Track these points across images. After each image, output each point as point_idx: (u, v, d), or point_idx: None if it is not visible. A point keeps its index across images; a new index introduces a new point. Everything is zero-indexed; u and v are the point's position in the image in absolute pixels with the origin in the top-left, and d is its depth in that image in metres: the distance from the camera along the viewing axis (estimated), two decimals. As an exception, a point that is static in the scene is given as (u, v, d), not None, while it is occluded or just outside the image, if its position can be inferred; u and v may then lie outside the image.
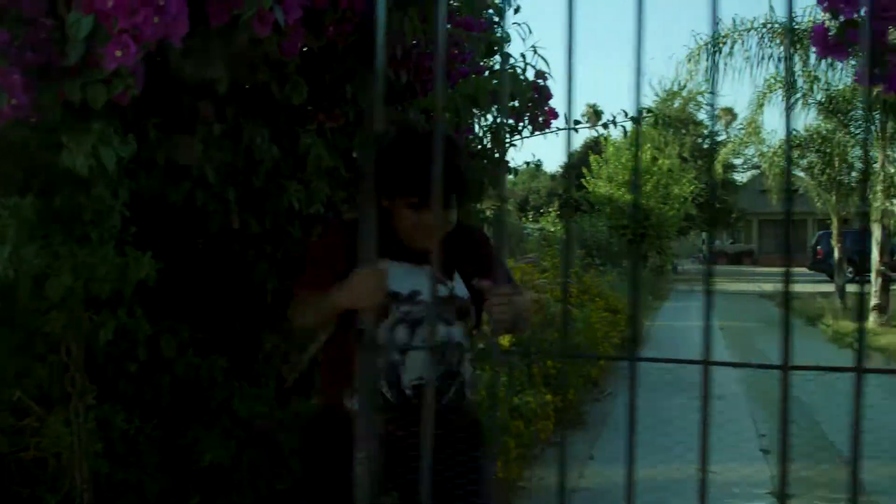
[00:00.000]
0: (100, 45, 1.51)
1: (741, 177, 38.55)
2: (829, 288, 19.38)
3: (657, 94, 34.67)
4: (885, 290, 14.79)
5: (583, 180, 24.62)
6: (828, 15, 2.47)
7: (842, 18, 2.46)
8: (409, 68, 3.42)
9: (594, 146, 27.47)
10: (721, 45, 13.16)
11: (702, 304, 1.23)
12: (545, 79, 4.02)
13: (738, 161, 31.79)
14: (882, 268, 14.62)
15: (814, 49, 2.66)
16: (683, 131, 33.26)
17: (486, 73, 4.18)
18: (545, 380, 6.74)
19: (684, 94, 32.18)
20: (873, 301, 14.49)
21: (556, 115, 4.09)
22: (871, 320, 14.48)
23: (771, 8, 13.41)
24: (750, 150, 25.18)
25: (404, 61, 3.34)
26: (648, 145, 24.43)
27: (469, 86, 3.25)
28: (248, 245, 3.14)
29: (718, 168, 23.65)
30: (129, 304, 2.55)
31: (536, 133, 4.17)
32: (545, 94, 4.04)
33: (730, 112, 37.80)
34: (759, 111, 15.59)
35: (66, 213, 2.23)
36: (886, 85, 2.50)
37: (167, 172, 2.71)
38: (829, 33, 2.52)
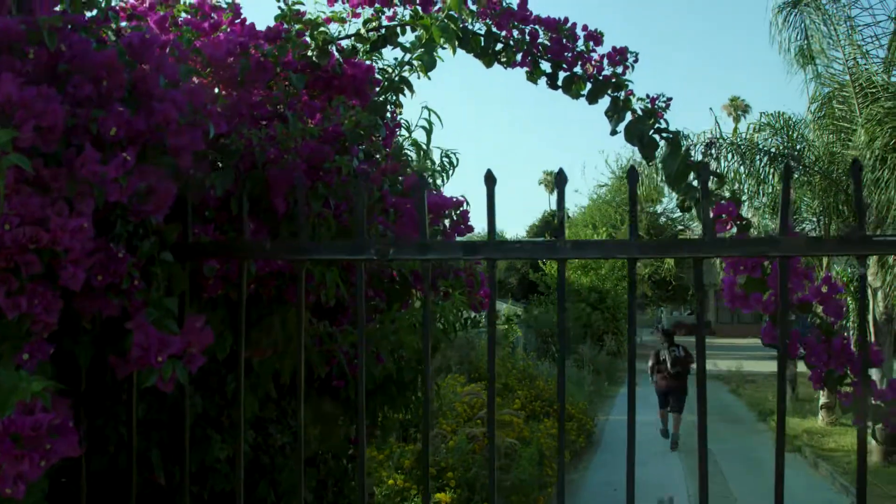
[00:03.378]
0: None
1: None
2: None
3: (613, 172, 35.17)
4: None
5: (540, 261, 24.77)
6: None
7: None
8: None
9: (551, 220, 27.58)
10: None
11: None
12: (478, 262, 4.19)
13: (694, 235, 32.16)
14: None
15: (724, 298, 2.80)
16: (639, 208, 33.55)
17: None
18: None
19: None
20: (822, 400, 14.65)
21: (489, 294, 4.26)
22: (820, 419, 14.62)
23: (717, 124, 14.35)
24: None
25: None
26: (605, 227, 24.76)
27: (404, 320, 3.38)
28: (176, 488, 3.16)
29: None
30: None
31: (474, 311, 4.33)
32: (479, 279, 4.20)
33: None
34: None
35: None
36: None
37: (89, 439, 2.73)
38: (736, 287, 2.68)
